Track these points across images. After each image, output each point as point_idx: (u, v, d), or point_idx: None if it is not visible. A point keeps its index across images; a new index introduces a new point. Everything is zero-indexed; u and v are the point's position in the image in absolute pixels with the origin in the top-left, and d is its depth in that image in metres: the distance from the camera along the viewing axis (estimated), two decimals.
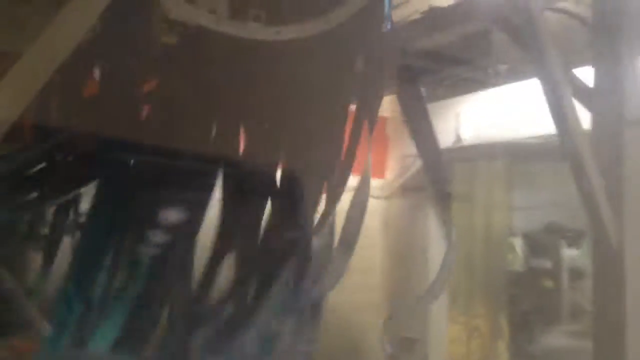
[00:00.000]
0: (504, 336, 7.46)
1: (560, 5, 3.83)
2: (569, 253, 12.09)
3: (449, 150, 7.05)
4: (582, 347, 10.12)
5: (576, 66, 3.64)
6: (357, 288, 6.98)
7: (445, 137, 7.09)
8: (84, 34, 1.98)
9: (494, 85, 6.08)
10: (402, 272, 7.51)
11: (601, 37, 3.53)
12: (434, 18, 4.25)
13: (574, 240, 12.26)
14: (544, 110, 5.68)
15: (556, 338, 11.07)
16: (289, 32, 2.90)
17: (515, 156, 7.24)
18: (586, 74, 3.62)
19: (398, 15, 4.22)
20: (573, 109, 3.35)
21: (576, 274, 12.29)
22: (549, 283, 11.78)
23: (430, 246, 7.35)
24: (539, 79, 3.40)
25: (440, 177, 3.93)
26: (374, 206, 7.57)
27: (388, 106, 7.71)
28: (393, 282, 7.58)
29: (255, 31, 2.99)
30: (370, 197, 7.48)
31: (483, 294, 7.65)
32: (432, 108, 7.34)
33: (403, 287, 7.48)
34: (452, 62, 4.62)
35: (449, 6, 4.11)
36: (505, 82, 5.87)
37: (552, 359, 9.63)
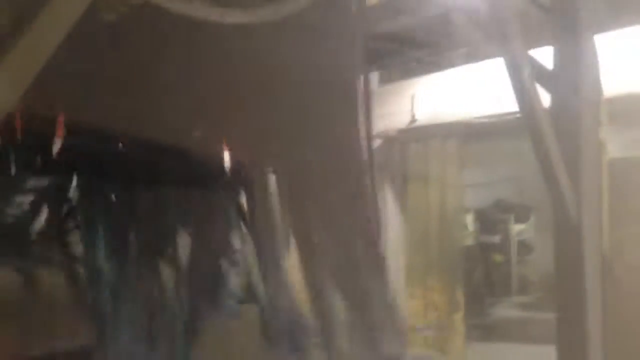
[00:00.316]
0: (460, 309, 7.70)
1: None
2: (517, 228, 12.56)
3: (404, 130, 7.22)
4: (530, 318, 10.60)
5: (535, 47, 3.81)
6: None
7: (400, 117, 7.27)
8: (78, 16, 1.99)
9: (450, 67, 6.24)
10: None
11: (559, 21, 3.71)
12: (396, 1, 4.34)
13: (522, 215, 12.74)
14: (495, 91, 5.93)
15: (506, 309, 11.52)
16: (233, 16, 2.93)
17: (467, 135, 7.41)
18: (545, 56, 3.79)
19: None
20: (534, 89, 3.52)
21: (524, 248, 12.79)
22: (498, 257, 12.22)
23: (388, 225, 7.51)
24: (503, 60, 3.54)
25: None
26: None
27: None
28: None
29: (202, 11, 3.00)
30: None
31: (439, 269, 7.86)
32: (388, 89, 7.54)
33: None
34: (413, 45, 4.72)
35: None
36: (462, 64, 6.04)
37: (503, 329, 10.01)
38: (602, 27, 3.79)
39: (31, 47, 1.96)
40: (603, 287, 3.52)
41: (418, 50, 4.87)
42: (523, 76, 3.48)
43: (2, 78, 1.95)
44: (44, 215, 3.86)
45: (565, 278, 3.58)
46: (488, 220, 12.28)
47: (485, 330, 9.73)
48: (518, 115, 5.16)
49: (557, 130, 3.54)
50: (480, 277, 11.71)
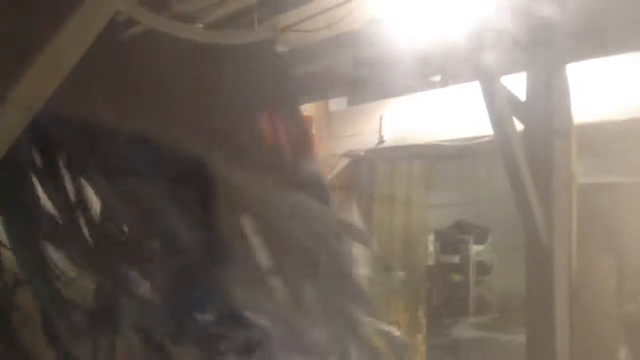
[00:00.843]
0: (422, 329, 7.81)
1: (496, 24, 4.13)
2: (475, 249, 12.81)
3: (372, 150, 7.34)
4: (488, 338, 10.81)
5: (509, 74, 3.95)
6: None
7: (369, 137, 7.38)
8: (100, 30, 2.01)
9: (420, 90, 6.38)
10: None
11: (531, 52, 3.86)
12: (372, 30, 4.45)
13: (480, 236, 13.01)
14: (460, 115, 6.10)
15: (465, 330, 11.70)
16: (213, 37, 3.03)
17: (432, 157, 7.57)
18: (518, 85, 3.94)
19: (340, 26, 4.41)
20: (509, 116, 3.66)
21: (482, 269, 13.05)
22: (457, 277, 12.44)
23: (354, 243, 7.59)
24: (480, 88, 3.68)
25: None
26: None
27: (315, 107, 7.93)
28: None
29: (184, 30, 3.08)
30: None
31: (402, 289, 7.97)
32: (357, 110, 7.67)
33: None
34: (388, 72, 4.83)
35: (390, 21, 4.32)
36: (434, 88, 6.18)
37: (462, 349, 10.16)
38: (574, 58, 3.95)
39: (45, 70, 1.97)
40: (572, 310, 3.66)
41: (392, 77, 4.97)
42: (498, 104, 3.62)
43: (15, 103, 1.95)
44: None
45: (535, 301, 3.71)
46: (448, 241, 12.50)
47: (444, 350, 9.87)
48: (481, 140, 5.35)
49: (529, 157, 3.68)
50: (440, 297, 11.89)
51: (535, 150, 3.71)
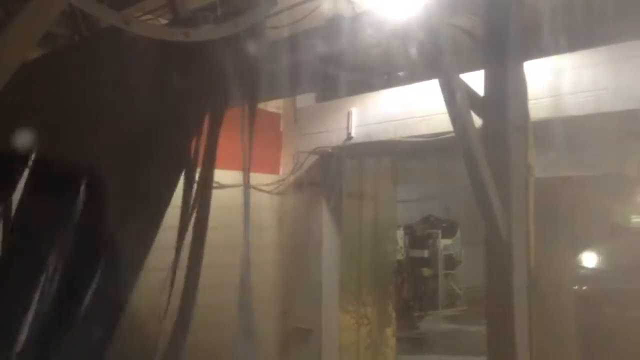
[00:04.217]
0: (392, 323, 7.90)
1: (455, 21, 4.20)
2: (444, 243, 13.01)
3: (340, 147, 7.40)
4: (456, 330, 10.98)
5: (468, 72, 4.02)
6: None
7: (337, 134, 7.44)
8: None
9: (387, 87, 6.45)
10: (296, 266, 7.76)
11: (489, 51, 3.94)
12: (336, 26, 4.50)
13: (448, 231, 13.21)
14: (427, 112, 6.19)
15: (434, 323, 11.89)
16: (197, 34, 3.03)
17: (399, 153, 7.64)
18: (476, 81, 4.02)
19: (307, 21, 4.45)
20: (468, 112, 3.72)
21: (450, 262, 13.25)
22: (427, 271, 12.61)
23: (324, 240, 7.66)
24: (439, 84, 3.74)
25: None
26: (269, 202, 7.77)
27: (282, 104, 7.95)
28: (287, 276, 7.81)
29: (164, 32, 3.09)
30: (265, 192, 7.67)
31: (371, 284, 8.05)
32: (325, 107, 7.71)
33: (297, 281, 7.75)
34: (352, 68, 4.89)
35: (351, 16, 4.37)
36: (398, 85, 6.25)
37: (431, 342, 10.33)
38: (530, 55, 4.04)
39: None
40: (530, 301, 3.74)
41: (356, 73, 5.02)
42: (457, 100, 3.67)
43: None
44: None
45: (495, 293, 3.78)
46: (417, 235, 12.66)
47: (413, 343, 10.01)
48: (448, 135, 5.42)
49: (487, 152, 3.74)
50: (410, 291, 12.03)
51: (494, 145, 3.77)
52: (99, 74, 3.37)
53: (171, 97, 3.28)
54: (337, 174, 7.76)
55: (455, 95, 3.70)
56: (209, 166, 3.47)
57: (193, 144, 3.42)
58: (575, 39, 4.17)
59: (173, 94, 3.28)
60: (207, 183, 3.48)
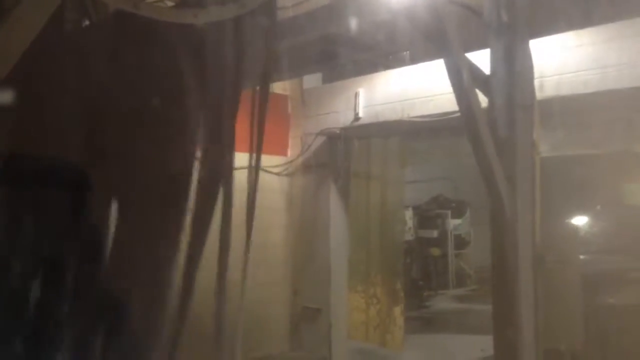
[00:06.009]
0: (400, 302, 7.94)
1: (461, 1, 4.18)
2: (453, 223, 13.01)
3: (348, 128, 7.40)
4: (466, 309, 11.01)
5: (474, 51, 4.01)
6: (261, 264, 7.21)
7: (344, 115, 7.44)
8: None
9: (394, 67, 6.43)
10: (306, 247, 7.82)
11: (495, 29, 3.93)
12: (341, 6, 4.49)
13: (458, 211, 13.21)
14: (434, 91, 6.17)
15: (444, 302, 11.93)
16: (206, 16, 3.02)
17: (408, 134, 7.63)
18: (482, 59, 4.01)
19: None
20: (473, 91, 3.72)
21: (460, 242, 13.27)
22: (436, 251, 12.64)
23: (332, 220, 7.69)
24: (444, 63, 3.74)
25: None
26: (278, 184, 7.81)
27: (288, 86, 7.95)
28: (297, 256, 7.87)
29: (173, 14, 3.08)
30: (274, 174, 7.69)
31: (380, 264, 8.08)
32: (332, 88, 7.71)
33: (307, 261, 7.80)
34: (358, 48, 4.88)
35: None
36: (405, 65, 6.24)
37: (441, 321, 10.37)
38: (536, 33, 4.02)
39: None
40: (535, 278, 3.77)
41: (362, 52, 5.02)
42: (462, 78, 3.68)
43: None
44: None
45: (500, 271, 3.81)
46: (426, 215, 12.67)
47: (422, 321, 10.07)
48: (456, 115, 5.42)
49: (493, 131, 3.75)
50: (420, 271, 12.08)
51: (499, 122, 3.78)
52: (114, 61, 3.34)
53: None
54: (344, 155, 7.77)
55: (461, 74, 3.71)
56: (230, 149, 3.47)
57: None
58: (581, 16, 4.15)
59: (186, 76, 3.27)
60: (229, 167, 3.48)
